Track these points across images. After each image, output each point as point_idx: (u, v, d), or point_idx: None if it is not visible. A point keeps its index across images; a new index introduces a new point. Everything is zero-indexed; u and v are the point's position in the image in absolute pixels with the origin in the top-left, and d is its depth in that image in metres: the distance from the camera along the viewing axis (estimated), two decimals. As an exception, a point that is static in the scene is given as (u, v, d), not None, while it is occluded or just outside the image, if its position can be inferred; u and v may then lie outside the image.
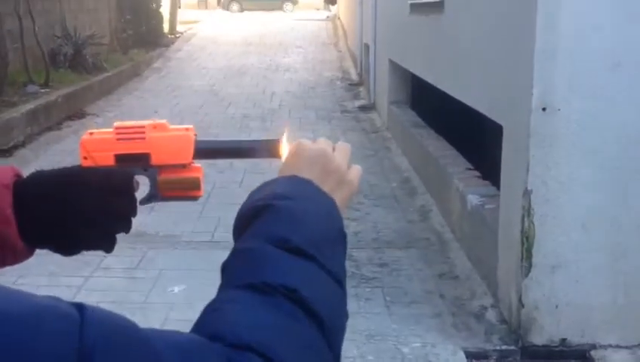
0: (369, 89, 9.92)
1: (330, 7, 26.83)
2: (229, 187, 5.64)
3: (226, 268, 0.67)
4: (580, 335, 3.15)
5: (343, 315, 0.68)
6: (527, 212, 3.11)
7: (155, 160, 0.87)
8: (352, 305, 3.54)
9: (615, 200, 3.07)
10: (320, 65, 13.75)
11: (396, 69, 7.60)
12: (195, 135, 0.89)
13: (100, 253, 3.39)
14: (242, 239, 0.70)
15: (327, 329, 0.62)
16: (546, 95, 3.00)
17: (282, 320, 0.60)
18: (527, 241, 3.12)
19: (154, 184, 0.88)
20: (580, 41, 2.95)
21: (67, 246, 0.83)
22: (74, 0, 12.52)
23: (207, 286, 3.65)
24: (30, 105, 7.74)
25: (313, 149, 0.80)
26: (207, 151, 0.90)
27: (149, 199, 0.89)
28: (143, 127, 0.86)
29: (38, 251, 3.28)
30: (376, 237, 4.58)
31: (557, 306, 3.16)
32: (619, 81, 2.97)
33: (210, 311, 0.61)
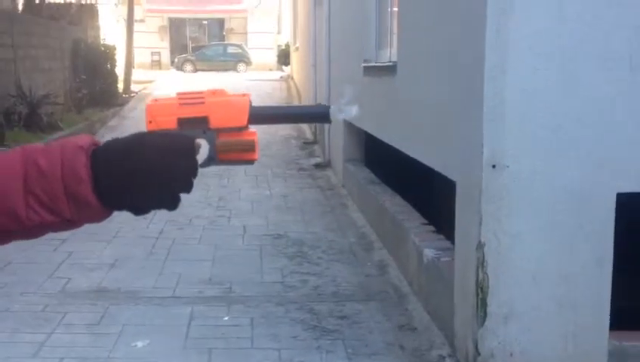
0: (324, 147, 10.14)
1: (284, 67, 27.34)
2: (188, 243, 5.71)
3: None
4: (533, 381, 3.29)
5: None
6: (481, 264, 3.28)
7: (213, 123, 0.92)
8: (314, 358, 3.64)
9: (561, 252, 3.26)
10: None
11: (351, 128, 7.84)
12: (251, 101, 0.94)
13: (60, 309, 3.46)
14: None
15: None
16: (495, 153, 3.21)
17: None
18: (481, 292, 3.28)
19: (212, 146, 0.94)
20: (524, 105, 3.18)
21: (137, 206, 0.89)
22: (29, 60, 12.56)
23: (170, 341, 3.79)
24: (-15, 164, 7.69)
25: None
26: (261, 116, 0.95)
27: (208, 161, 0.94)
28: (202, 92, 0.93)
29: (-1, 307, 3.20)
30: (336, 290, 4.69)
31: (511, 354, 3.30)
32: (560, 141, 3.20)
33: None
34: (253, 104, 0.96)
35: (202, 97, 0.93)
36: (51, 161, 0.85)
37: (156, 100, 0.94)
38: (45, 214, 0.85)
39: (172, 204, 0.89)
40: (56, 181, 0.84)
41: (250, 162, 0.95)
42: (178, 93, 0.94)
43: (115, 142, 0.89)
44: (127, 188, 0.86)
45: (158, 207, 0.89)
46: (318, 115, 1.00)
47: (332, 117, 0.96)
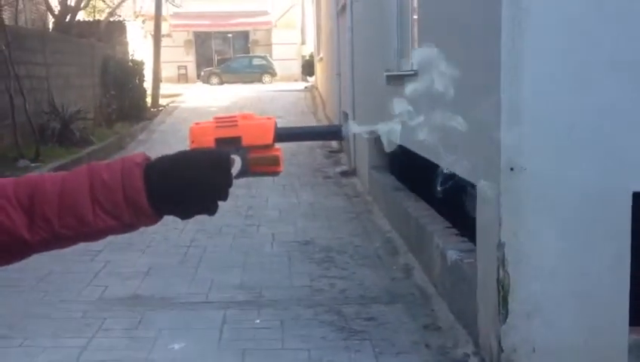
0: (349, 155, 10.29)
1: (308, 78, 27.59)
2: (219, 251, 5.89)
3: None
4: (555, 376, 3.40)
5: None
6: (502, 263, 3.39)
7: (245, 141, 1.08)
8: (342, 357, 3.78)
9: (580, 250, 3.37)
10: (300, 134, 14.15)
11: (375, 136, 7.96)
12: (275, 123, 1.10)
13: (99, 315, 3.69)
14: None
15: None
16: (513, 157, 3.33)
17: None
18: (502, 290, 3.40)
19: (244, 161, 1.11)
20: (539, 109, 3.31)
21: (183, 211, 1.04)
22: (60, 77, 12.92)
23: (205, 343, 4.03)
24: (22, 179, 7.96)
25: None
26: (284, 135, 1.11)
27: (241, 174, 1.10)
28: (235, 116, 1.09)
29: (41, 314, 3.62)
30: (363, 293, 4.82)
31: (534, 349, 3.41)
32: (575, 143, 3.32)
33: None
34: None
35: (235, 120, 1.09)
36: (113, 175, 1.01)
37: (197, 123, 1.11)
38: (109, 219, 1.01)
39: (212, 210, 1.05)
40: (117, 191, 1.00)
41: (276, 173, 1.12)
42: (215, 117, 1.11)
43: (165, 158, 1.05)
44: (175, 196, 1.02)
45: (201, 212, 1.05)
46: (332, 133, 1.18)
47: (344, 134, 1.14)
